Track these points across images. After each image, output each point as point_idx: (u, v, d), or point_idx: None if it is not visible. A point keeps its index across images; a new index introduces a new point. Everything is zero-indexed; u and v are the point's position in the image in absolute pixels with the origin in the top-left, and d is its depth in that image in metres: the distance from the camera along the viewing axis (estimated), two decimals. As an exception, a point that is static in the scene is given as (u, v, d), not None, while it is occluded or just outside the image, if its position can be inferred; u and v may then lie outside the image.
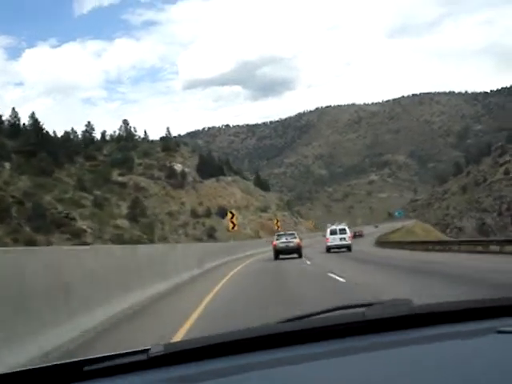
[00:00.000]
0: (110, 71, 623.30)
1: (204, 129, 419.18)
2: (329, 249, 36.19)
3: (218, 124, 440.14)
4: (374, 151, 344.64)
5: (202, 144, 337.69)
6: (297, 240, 31.66)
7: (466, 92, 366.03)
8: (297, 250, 30.90)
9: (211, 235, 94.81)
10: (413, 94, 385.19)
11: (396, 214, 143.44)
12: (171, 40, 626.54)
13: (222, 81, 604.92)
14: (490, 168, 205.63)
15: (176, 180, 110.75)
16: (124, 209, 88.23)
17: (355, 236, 73.97)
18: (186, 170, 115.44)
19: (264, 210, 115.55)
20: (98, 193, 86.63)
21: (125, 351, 1.43)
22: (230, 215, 35.83)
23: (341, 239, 36.53)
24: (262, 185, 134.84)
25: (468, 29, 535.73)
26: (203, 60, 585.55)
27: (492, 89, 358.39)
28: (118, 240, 69.79)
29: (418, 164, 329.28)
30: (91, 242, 64.14)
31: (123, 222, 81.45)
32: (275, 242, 31.51)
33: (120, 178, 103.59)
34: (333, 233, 37.06)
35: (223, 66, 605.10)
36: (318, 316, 1.74)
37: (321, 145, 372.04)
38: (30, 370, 1.31)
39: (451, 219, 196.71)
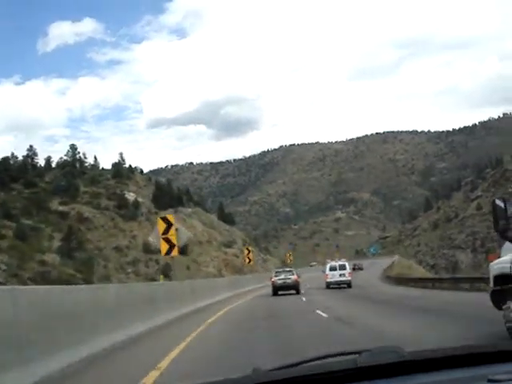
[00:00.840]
0: (74, 109, 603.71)
1: (167, 166, 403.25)
2: (329, 285, 35.37)
3: (181, 162, 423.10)
4: (339, 189, 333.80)
5: (164, 182, 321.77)
6: (294, 277, 31.82)
7: (428, 131, 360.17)
8: (294, 287, 31.19)
9: (166, 274, 78.28)
10: (376, 133, 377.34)
11: (371, 249, 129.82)
12: (136, 79, 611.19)
13: (186, 120, 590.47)
14: (462, 203, 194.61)
15: (127, 210, 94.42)
16: (58, 241, 71.38)
17: (354, 269, 69.99)
18: (140, 199, 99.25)
19: (229, 245, 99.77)
20: (27, 222, 69.90)
21: None
22: (161, 226, 19.76)
23: (340, 275, 35.64)
24: (226, 218, 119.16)
25: (428, 70, 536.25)
26: (167, 99, 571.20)
27: (454, 127, 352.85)
28: (43, 279, 53.19)
29: (383, 202, 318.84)
30: (3, 282, 47.55)
31: (53, 257, 64.71)
32: (274, 279, 31.87)
33: (61, 207, 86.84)
34: (332, 269, 36.14)
35: (187, 106, 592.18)
36: (310, 363, 1.70)
37: (285, 182, 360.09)
38: None
39: (423, 256, 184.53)
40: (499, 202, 8.13)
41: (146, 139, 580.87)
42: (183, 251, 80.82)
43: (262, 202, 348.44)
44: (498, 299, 8.77)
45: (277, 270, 35.82)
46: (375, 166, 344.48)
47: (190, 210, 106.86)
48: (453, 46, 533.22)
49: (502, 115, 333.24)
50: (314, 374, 1.55)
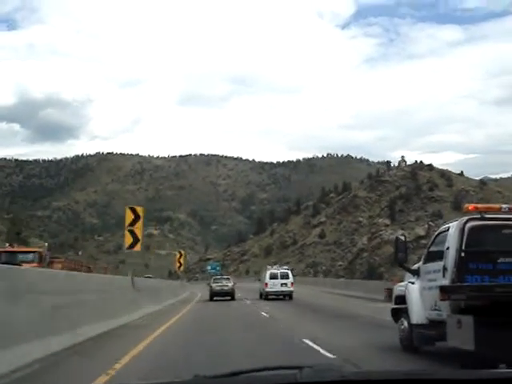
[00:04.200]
0: None
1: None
2: (267, 295, 30.28)
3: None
4: (155, 206, 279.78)
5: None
6: (231, 284, 31.47)
7: (253, 160, 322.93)
8: (230, 293, 30.68)
9: None
10: (201, 154, 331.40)
11: (209, 268, 79.48)
12: None
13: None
14: (301, 229, 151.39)
15: None
16: None
17: None
18: None
19: None
20: None
21: None
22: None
23: (282, 285, 30.32)
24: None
25: (254, 107, 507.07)
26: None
27: (279, 161, 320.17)
28: None
29: (200, 224, 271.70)
30: None
31: None
32: (212, 285, 31.58)
33: None
34: (273, 277, 30.69)
35: (2, 100, 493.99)
36: (250, 374, 1.61)
37: (97, 191, 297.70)
38: None
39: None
40: (401, 238, 9.54)
41: None
42: None
43: (67, 209, 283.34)
44: (395, 315, 9.80)
45: (215, 277, 35.34)
46: (196, 187, 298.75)
47: None
48: (276, 89, 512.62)
49: (325, 155, 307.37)
50: None
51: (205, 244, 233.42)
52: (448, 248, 7.84)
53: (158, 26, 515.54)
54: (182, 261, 34.28)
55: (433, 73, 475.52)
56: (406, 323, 8.97)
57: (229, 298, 30.20)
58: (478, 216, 7.89)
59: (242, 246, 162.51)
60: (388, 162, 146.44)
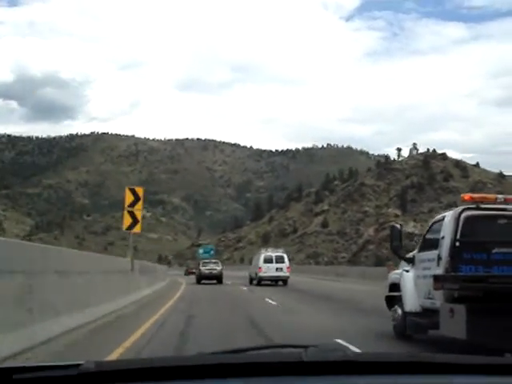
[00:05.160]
0: None
1: None
2: (260, 280, 27.62)
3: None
4: (149, 188, 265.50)
5: None
6: (219, 268, 31.39)
7: (251, 147, 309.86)
8: (218, 277, 30.44)
9: None
10: (197, 138, 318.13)
11: (200, 251, 67.28)
12: None
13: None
14: (302, 216, 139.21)
15: None
16: None
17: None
18: None
19: None
20: None
21: (57, 363, 1.28)
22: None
23: (277, 269, 28.00)
24: None
25: (255, 96, 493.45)
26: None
27: (277, 149, 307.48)
28: None
29: (194, 209, 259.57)
30: None
31: None
32: (201, 268, 31.50)
33: None
34: (268, 261, 28.08)
35: (1, 77, 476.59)
36: (254, 351, 1.58)
37: (89, 171, 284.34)
38: None
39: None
40: (396, 226, 9.19)
41: None
42: None
43: (58, 187, 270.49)
44: (389, 303, 9.41)
45: (204, 260, 35.72)
46: (191, 171, 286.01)
47: None
48: (279, 79, 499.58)
49: (325, 145, 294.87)
50: (259, 363, 1.42)
51: (198, 229, 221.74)
52: (443, 237, 7.69)
53: (160, 9, 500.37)
54: (137, 212, 15.54)
55: (435, 70, 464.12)
56: (399, 311, 8.75)
57: (215, 281, 30.06)
58: (474, 206, 7.66)
59: (238, 233, 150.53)
60: (399, 149, 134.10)
